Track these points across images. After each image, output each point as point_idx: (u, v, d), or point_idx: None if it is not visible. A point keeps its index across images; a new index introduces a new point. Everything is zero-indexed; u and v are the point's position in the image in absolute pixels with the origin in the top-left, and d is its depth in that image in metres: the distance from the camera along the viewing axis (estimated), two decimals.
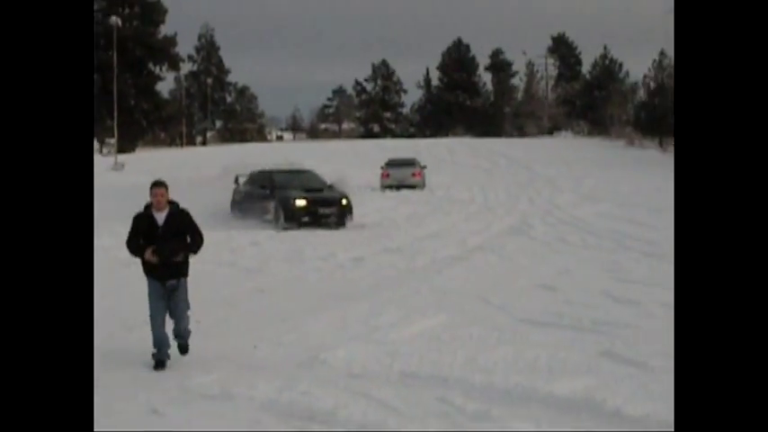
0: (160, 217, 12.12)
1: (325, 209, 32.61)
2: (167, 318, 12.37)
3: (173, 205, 12.36)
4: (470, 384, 10.78)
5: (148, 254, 11.96)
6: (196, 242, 12.49)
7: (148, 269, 12.25)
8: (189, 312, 12.58)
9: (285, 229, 31.39)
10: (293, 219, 32.18)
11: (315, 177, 36.24)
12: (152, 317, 12.26)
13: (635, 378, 10.97)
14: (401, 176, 55.46)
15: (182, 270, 12.43)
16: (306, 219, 32.37)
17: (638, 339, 13.10)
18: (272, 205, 33.43)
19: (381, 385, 10.91)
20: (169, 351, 12.29)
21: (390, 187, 54.70)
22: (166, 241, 12.07)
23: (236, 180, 37.80)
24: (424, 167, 57.73)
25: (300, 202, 32.43)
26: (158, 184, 12.31)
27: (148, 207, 12.29)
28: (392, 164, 58.34)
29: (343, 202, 32.71)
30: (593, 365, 11.61)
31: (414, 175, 55.74)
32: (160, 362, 12.16)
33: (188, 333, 12.58)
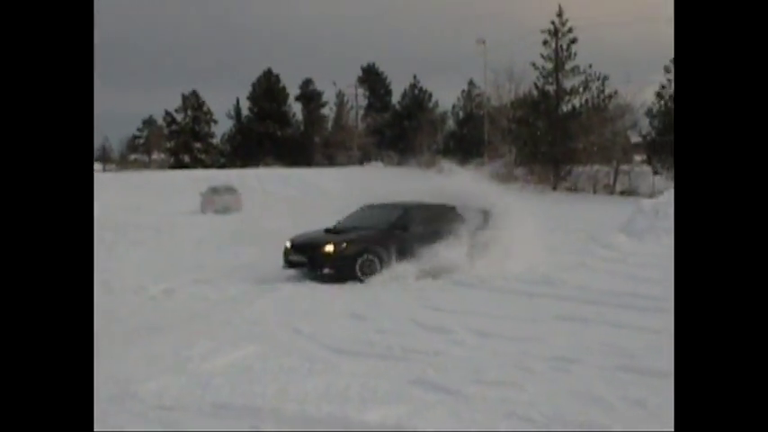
0: None
1: (298, 255, 25.26)
2: None
3: None
4: (282, 414, 10.81)
5: None
6: None
7: None
8: None
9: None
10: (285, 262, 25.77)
11: (382, 214, 26.57)
12: None
13: (446, 404, 11.11)
14: (224, 202, 61.63)
15: None
16: (284, 265, 25.70)
17: (449, 366, 13.25)
18: None
19: (194, 417, 10.88)
20: None
21: (216, 212, 59.71)
22: None
23: None
24: (240, 194, 64.60)
25: (287, 244, 26.12)
26: None
27: None
28: (216, 191, 64.21)
29: (327, 249, 24.37)
30: (405, 393, 11.72)
31: (236, 200, 62.80)
32: None
33: None
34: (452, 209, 25.84)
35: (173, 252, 33.07)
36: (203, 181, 73.36)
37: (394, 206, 26.72)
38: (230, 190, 66.60)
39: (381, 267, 23.99)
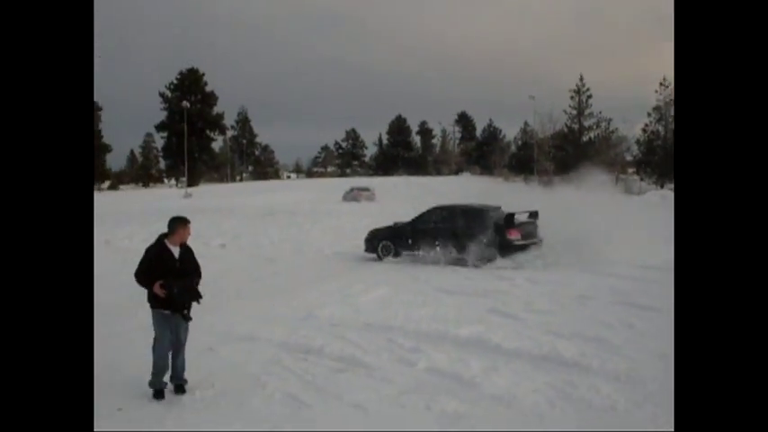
0: (176, 251, 8.11)
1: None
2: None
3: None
4: (406, 330, 10.78)
5: (157, 288, 7.78)
6: (200, 277, 8.38)
7: (161, 302, 7.96)
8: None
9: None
10: None
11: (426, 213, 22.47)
12: (157, 341, 8.21)
13: (510, 326, 10.99)
14: (365, 196, 64.92)
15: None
16: None
17: (511, 301, 13.12)
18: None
19: (351, 331, 10.89)
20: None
21: (356, 200, 63.56)
22: (183, 277, 8.00)
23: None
24: (374, 190, 68.65)
25: None
26: (187, 221, 8.28)
27: (162, 240, 8.13)
28: (361, 189, 68.72)
29: (366, 236, 22.69)
30: (483, 317, 11.63)
31: (372, 194, 66.19)
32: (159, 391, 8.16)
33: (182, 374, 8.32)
34: (482, 211, 20.87)
35: (339, 227, 33.14)
36: (356, 184, 74.61)
37: (435, 208, 22.55)
38: (367, 189, 69.36)
39: (397, 251, 21.39)
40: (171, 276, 7.91)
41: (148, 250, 8.11)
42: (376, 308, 12.81)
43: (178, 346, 8.21)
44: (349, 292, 14.64)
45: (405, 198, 60.31)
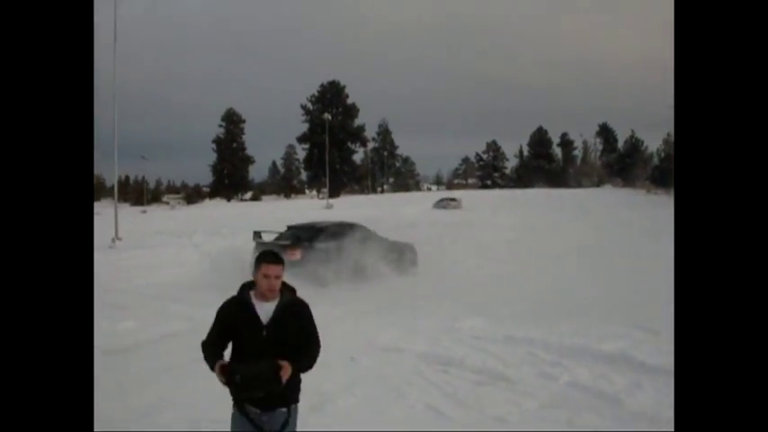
0: (265, 310, 4.77)
1: None
2: None
3: (286, 293, 4.88)
4: (549, 343, 10.72)
5: (218, 370, 4.61)
6: (312, 355, 4.83)
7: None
8: None
9: None
10: None
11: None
12: None
13: (653, 342, 10.76)
14: (453, 205, 71.22)
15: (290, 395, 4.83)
16: None
17: (656, 317, 12.83)
18: None
19: (492, 343, 10.91)
20: None
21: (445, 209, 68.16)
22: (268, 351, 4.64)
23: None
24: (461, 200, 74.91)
25: None
26: (276, 259, 4.85)
27: (246, 292, 4.86)
28: (450, 199, 75.96)
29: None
30: (627, 333, 11.40)
31: (458, 203, 71.86)
32: None
33: None
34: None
35: (476, 239, 32.93)
36: (498, 197, 74.45)
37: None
38: (455, 199, 75.10)
39: None
40: (250, 353, 4.69)
41: (222, 309, 4.94)
42: (517, 320, 12.73)
43: None
44: (491, 304, 14.65)
45: (546, 211, 59.64)
